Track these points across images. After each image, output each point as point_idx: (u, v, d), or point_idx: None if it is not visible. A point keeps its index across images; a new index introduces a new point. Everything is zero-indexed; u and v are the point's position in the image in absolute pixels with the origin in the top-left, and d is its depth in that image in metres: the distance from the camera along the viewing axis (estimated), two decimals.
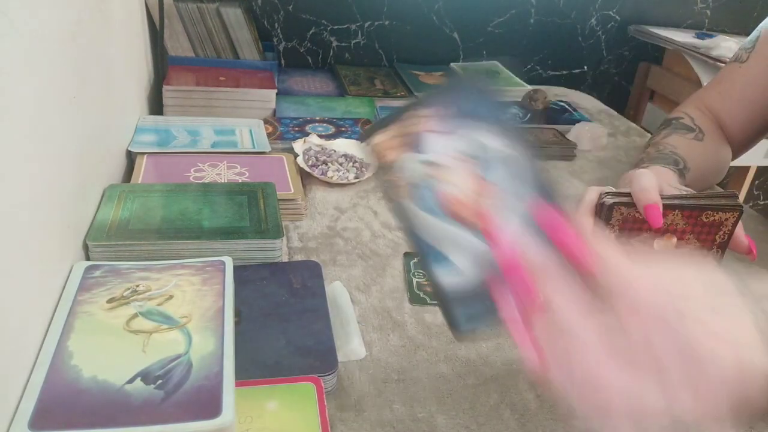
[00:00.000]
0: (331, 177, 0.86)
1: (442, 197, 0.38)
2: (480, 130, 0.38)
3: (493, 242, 0.37)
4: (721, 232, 0.66)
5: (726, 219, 0.65)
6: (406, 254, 0.70)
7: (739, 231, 0.67)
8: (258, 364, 0.51)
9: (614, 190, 0.68)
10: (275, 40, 1.39)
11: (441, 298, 0.37)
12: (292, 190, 0.78)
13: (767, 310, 0.39)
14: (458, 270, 0.37)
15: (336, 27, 1.41)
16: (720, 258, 0.68)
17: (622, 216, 0.64)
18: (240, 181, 0.79)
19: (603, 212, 0.66)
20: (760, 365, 0.34)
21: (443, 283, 0.37)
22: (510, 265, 0.35)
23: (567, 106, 1.25)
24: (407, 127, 0.39)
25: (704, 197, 0.66)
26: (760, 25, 0.85)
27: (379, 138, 0.39)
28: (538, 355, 0.35)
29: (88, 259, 0.61)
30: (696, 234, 0.66)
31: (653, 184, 0.63)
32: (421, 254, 0.37)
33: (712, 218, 0.65)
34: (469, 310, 0.37)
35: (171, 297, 0.54)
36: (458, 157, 0.38)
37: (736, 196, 0.65)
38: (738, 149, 0.90)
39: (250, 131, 0.94)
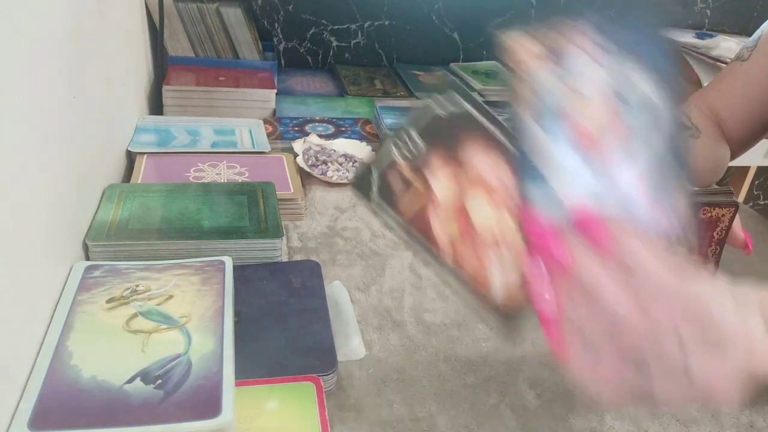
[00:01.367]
0: (331, 177, 0.86)
1: (570, 124, 0.35)
2: (635, 69, 0.35)
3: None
4: (719, 228, 0.66)
5: (723, 215, 0.66)
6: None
7: (736, 226, 0.67)
8: (258, 364, 0.51)
9: None
10: (275, 40, 1.39)
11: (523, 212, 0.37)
12: (292, 190, 0.78)
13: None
14: (553, 194, 0.36)
15: (336, 27, 1.41)
16: (718, 253, 0.68)
17: None
18: (240, 181, 0.79)
19: None
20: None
21: (531, 199, 0.36)
22: (588, 216, 0.35)
23: None
24: (557, 38, 0.35)
25: (701, 194, 0.66)
26: (764, 24, 0.85)
27: (521, 38, 0.35)
28: (556, 325, 0.35)
29: (87, 259, 0.61)
30: None
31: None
32: (519, 167, 0.37)
33: (709, 215, 0.65)
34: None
35: (171, 297, 0.54)
36: (603, 90, 0.35)
37: (732, 192, 0.65)
38: (738, 148, 0.90)
39: (250, 131, 0.94)
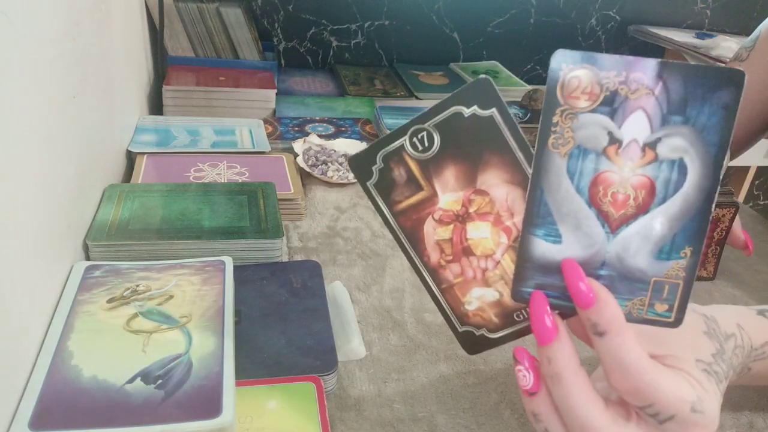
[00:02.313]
0: (331, 177, 0.86)
1: (600, 181, 0.34)
2: (694, 147, 0.32)
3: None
4: (719, 229, 0.66)
5: (723, 215, 0.66)
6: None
7: (736, 227, 0.67)
8: (258, 364, 0.51)
9: None
10: (275, 40, 1.39)
11: (520, 258, 0.36)
12: (292, 190, 0.78)
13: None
14: (559, 244, 0.35)
15: (336, 27, 1.41)
16: (718, 253, 0.68)
17: None
18: (240, 181, 0.79)
19: None
20: None
21: (535, 248, 0.36)
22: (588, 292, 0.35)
23: None
24: (620, 84, 0.33)
25: None
26: (761, 24, 0.85)
27: (581, 72, 0.33)
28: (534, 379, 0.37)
29: (88, 259, 0.61)
30: None
31: None
32: (533, 212, 0.35)
33: None
34: (537, 281, 0.36)
35: (171, 297, 0.54)
36: (648, 155, 0.33)
37: (732, 193, 0.66)
38: (738, 148, 0.90)
39: (250, 131, 0.94)
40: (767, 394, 0.56)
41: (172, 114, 1.01)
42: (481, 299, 0.41)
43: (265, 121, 0.99)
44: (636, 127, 0.33)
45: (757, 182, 1.90)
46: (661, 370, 0.35)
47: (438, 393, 0.53)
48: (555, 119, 0.34)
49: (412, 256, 0.41)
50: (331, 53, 1.44)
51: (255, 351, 0.52)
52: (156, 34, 1.13)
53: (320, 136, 0.95)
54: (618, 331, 0.34)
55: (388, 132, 0.94)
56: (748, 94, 0.86)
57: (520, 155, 0.38)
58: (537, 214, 0.35)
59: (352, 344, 0.56)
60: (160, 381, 0.45)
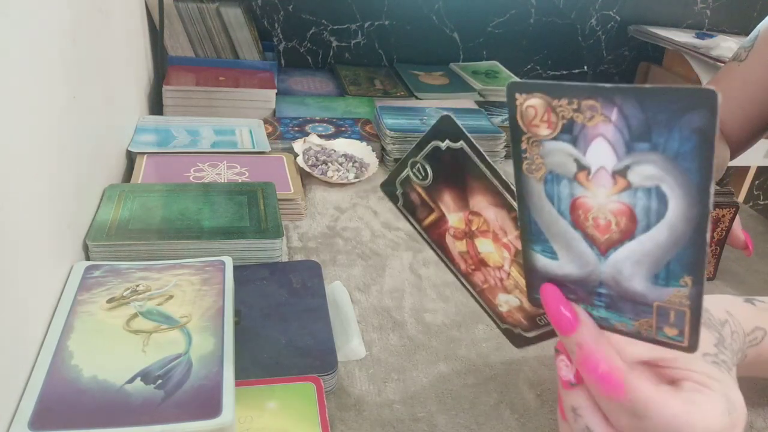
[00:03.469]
0: (331, 177, 0.86)
1: (578, 205, 0.34)
2: (670, 175, 0.30)
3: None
4: (719, 229, 0.67)
5: (723, 215, 0.66)
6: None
7: (736, 227, 0.67)
8: (258, 364, 0.51)
9: None
10: (275, 40, 1.39)
11: (526, 270, 0.38)
12: (292, 190, 0.78)
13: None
14: (556, 260, 0.36)
15: (336, 27, 1.41)
16: (718, 253, 0.68)
17: None
18: (240, 181, 0.79)
19: None
20: None
21: (536, 262, 0.37)
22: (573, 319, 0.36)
23: None
24: (577, 113, 0.31)
25: None
26: (760, 24, 0.85)
27: (535, 102, 0.32)
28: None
29: (88, 259, 0.61)
30: None
31: None
32: (526, 230, 0.36)
33: None
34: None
35: (171, 297, 0.54)
36: (620, 182, 0.31)
37: (732, 193, 0.66)
38: (737, 148, 0.90)
39: (250, 131, 0.94)
40: (767, 394, 0.56)
41: (172, 114, 1.01)
42: (507, 303, 0.44)
43: (265, 121, 0.99)
44: (600, 154, 0.31)
45: (757, 182, 1.90)
46: (685, 402, 0.34)
47: (438, 393, 0.53)
48: (523, 146, 0.33)
49: (448, 264, 0.45)
50: (331, 53, 1.44)
51: (255, 351, 0.52)
52: (156, 34, 1.13)
53: (320, 136, 0.95)
54: (633, 366, 0.34)
55: (388, 131, 0.94)
56: (748, 93, 0.87)
57: (494, 181, 0.40)
58: (530, 232, 0.36)
59: (352, 344, 0.56)
60: (160, 381, 0.45)
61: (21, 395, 0.43)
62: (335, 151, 0.92)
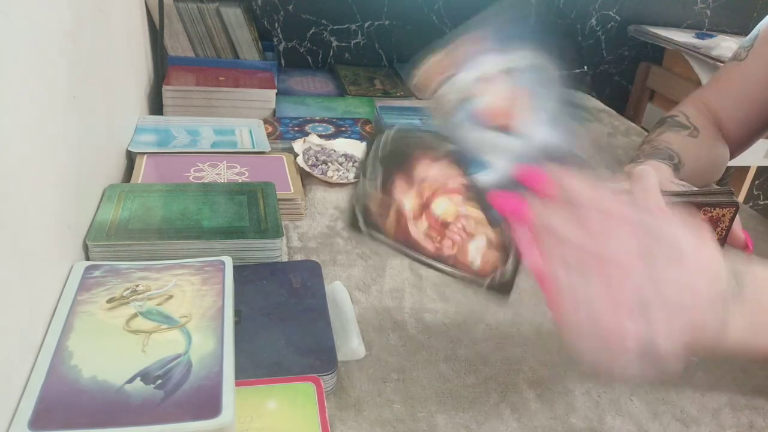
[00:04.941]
0: (331, 177, 0.86)
1: (481, 109, 0.42)
2: (517, 49, 0.42)
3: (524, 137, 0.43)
4: (719, 228, 0.66)
5: (723, 215, 0.66)
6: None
7: (736, 226, 0.67)
8: (258, 364, 0.51)
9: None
10: (275, 40, 1.39)
11: (478, 195, 0.44)
12: (292, 190, 0.78)
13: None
14: (495, 169, 0.43)
15: (336, 27, 1.41)
16: None
17: None
18: (240, 181, 0.79)
19: None
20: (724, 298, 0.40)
21: (481, 182, 0.43)
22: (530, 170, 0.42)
23: None
24: (458, 50, 0.42)
25: (701, 194, 0.66)
26: (760, 23, 0.85)
27: (429, 63, 0.42)
28: (546, 282, 0.40)
29: (87, 259, 0.61)
30: None
31: (655, 184, 0.63)
32: (465, 166, 0.43)
33: (710, 214, 0.65)
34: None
35: (171, 297, 0.54)
36: (498, 71, 0.42)
37: (732, 193, 0.66)
38: (737, 147, 0.90)
39: (250, 131, 0.94)
40: (767, 394, 0.56)
41: (172, 114, 1.01)
42: (478, 251, 0.47)
43: (265, 121, 0.99)
44: (481, 61, 0.44)
45: (757, 182, 1.90)
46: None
47: (438, 393, 0.53)
48: (434, 100, 0.44)
49: (421, 258, 0.49)
50: (331, 53, 1.44)
51: (255, 351, 0.52)
52: (156, 34, 1.13)
53: (320, 136, 0.95)
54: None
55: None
56: (748, 93, 0.87)
57: (427, 137, 0.46)
58: (469, 165, 0.44)
59: (351, 344, 0.56)
60: (159, 381, 0.45)
61: (21, 395, 0.43)
62: (335, 151, 0.92)
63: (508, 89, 0.42)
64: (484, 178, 0.43)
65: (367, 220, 0.49)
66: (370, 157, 0.48)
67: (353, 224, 0.49)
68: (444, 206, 0.47)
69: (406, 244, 0.48)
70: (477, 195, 0.44)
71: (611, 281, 0.38)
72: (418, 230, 0.48)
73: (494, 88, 0.42)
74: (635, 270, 0.38)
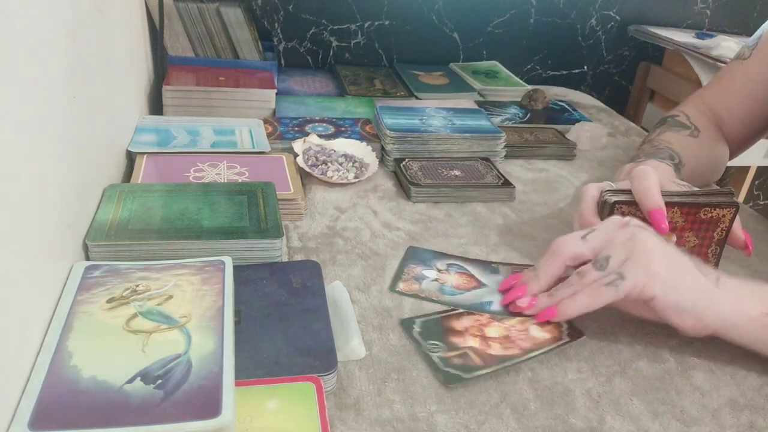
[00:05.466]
0: (331, 177, 0.86)
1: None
2: None
3: None
4: (719, 229, 0.66)
5: (723, 215, 0.66)
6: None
7: (737, 227, 0.67)
8: (258, 364, 0.51)
9: (614, 186, 0.68)
10: (275, 40, 1.39)
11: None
12: (292, 190, 0.78)
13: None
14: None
15: (336, 27, 1.41)
16: (718, 253, 0.68)
17: (623, 215, 0.64)
18: (240, 181, 0.79)
19: (604, 210, 0.66)
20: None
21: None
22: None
23: (567, 106, 1.25)
24: None
25: (702, 194, 0.66)
26: (765, 23, 0.85)
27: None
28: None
29: (87, 259, 0.61)
30: (695, 231, 0.66)
31: (655, 183, 0.63)
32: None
33: (710, 215, 0.65)
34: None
35: (170, 297, 0.54)
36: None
37: (733, 193, 0.66)
38: (737, 147, 0.90)
39: (250, 131, 0.94)
40: (767, 394, 0.56)
41: (172, 114, 1.01)
42: (536, 331, 0.61)
43: (265, 121, 0.99)
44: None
45: (757, 182, 1.90)
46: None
47: (438, 393, 0.53)
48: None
49: (517, 361, 0.58)
50: (331, 53, 1.44)
51: (255, 351, 0.52)
52: (156, 34, 1.13)
53: (320, 136, 0.95)
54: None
55: (388, 131, 0.94)
56: (750, 92, 0.87)
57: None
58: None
59: (351, 344, 0.56)
60: (159, 381, 0.45)
61: (20, 396, 0.43)
62: (335, 151, 0.92)
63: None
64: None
65: (465, 368, 0.55)
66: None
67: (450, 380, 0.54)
68: (494, 330, 0.59)
69: (499, 361, 0.55)
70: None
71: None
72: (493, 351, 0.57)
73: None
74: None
